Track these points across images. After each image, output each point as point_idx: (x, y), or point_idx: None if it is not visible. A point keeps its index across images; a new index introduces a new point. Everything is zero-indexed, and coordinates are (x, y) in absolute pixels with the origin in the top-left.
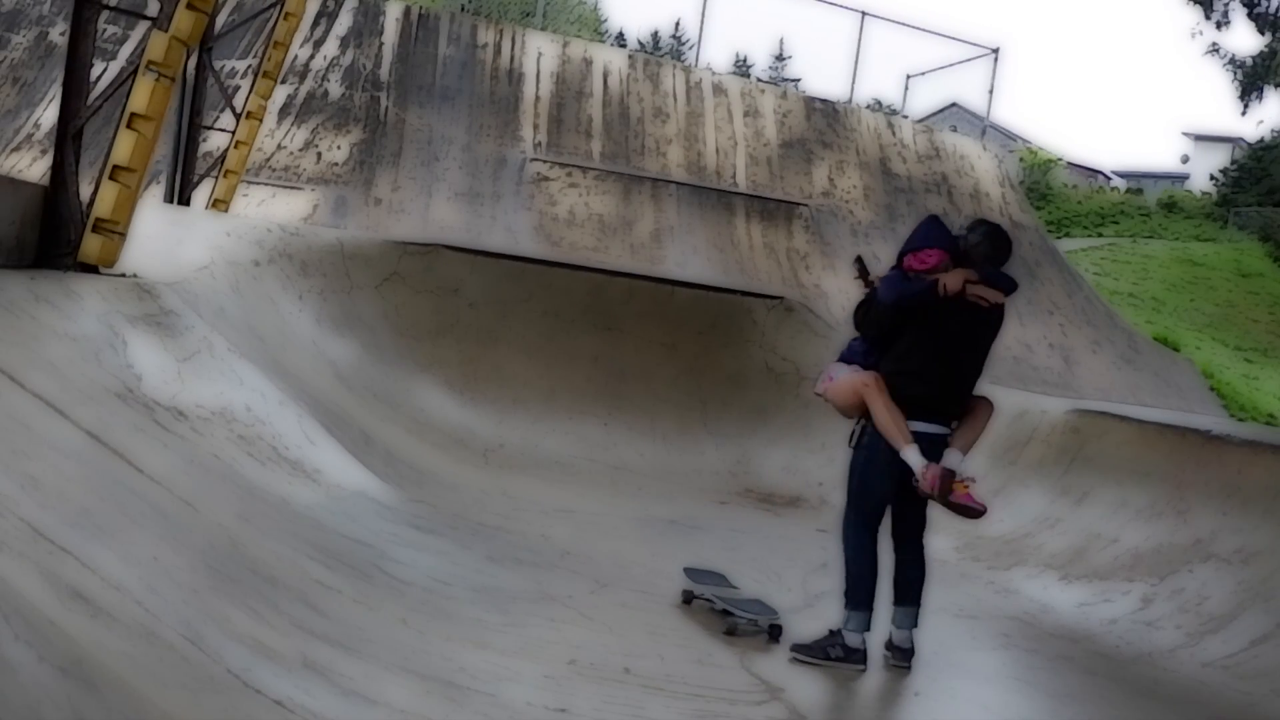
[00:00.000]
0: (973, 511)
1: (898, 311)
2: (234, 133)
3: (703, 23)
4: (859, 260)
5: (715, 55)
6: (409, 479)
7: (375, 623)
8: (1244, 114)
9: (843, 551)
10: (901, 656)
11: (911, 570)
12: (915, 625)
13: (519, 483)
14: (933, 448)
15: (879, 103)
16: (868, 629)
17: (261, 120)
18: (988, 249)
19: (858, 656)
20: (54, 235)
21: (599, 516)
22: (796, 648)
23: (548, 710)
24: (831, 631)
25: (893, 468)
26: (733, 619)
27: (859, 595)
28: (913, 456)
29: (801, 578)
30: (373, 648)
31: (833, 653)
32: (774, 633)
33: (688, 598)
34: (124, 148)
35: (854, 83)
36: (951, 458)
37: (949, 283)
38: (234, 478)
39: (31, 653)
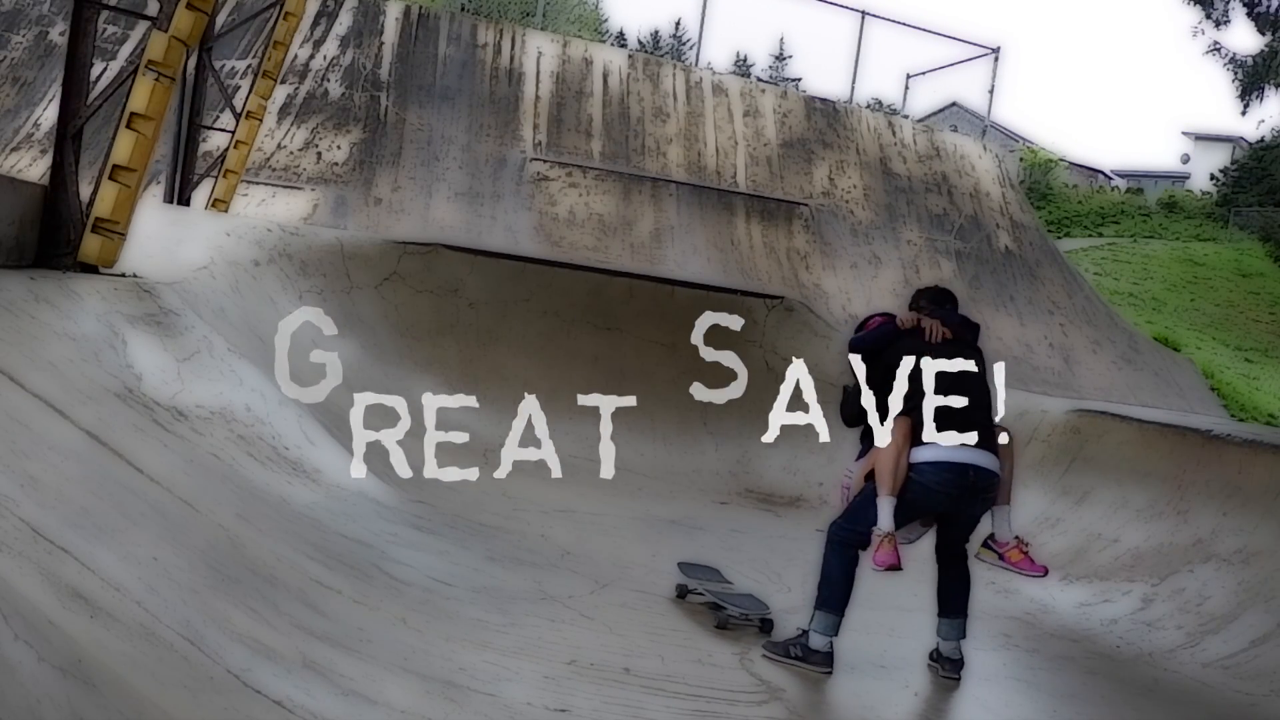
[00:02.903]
0: (1032, 575)
1: (869, 355)
2: (234, 132)
3: (703, 22)
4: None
5: (715, 55)
6: (409, 479)
7: (375, 623)
8: (1244, 114)
9: (823, 552)
10: (951, 668)
11: (955, 582)
12: (963, 636)
13: (519, 483)
14: (975, 483)
15: (879, 102)
16: (834, 633)
17: (261, 120)
18: (924, 301)
19: (818, 659)
20: (54, 235)
21: (599, 516)
22: (767, 645)
23: (548, 710)
24: (800, 630)
25: (910, 509)
26: (724, 613)
27: (827, 597)
28: (884, 511)
29: (801, 578)
30: (373, 648)
31: (793, 651)
32: (765, 626)
33: (682, 592)
34: (124, 148)
35: (854, 82)
36: (1001, 525)
37: (903, 316)
38: (234, 478)
39: (31, 653)
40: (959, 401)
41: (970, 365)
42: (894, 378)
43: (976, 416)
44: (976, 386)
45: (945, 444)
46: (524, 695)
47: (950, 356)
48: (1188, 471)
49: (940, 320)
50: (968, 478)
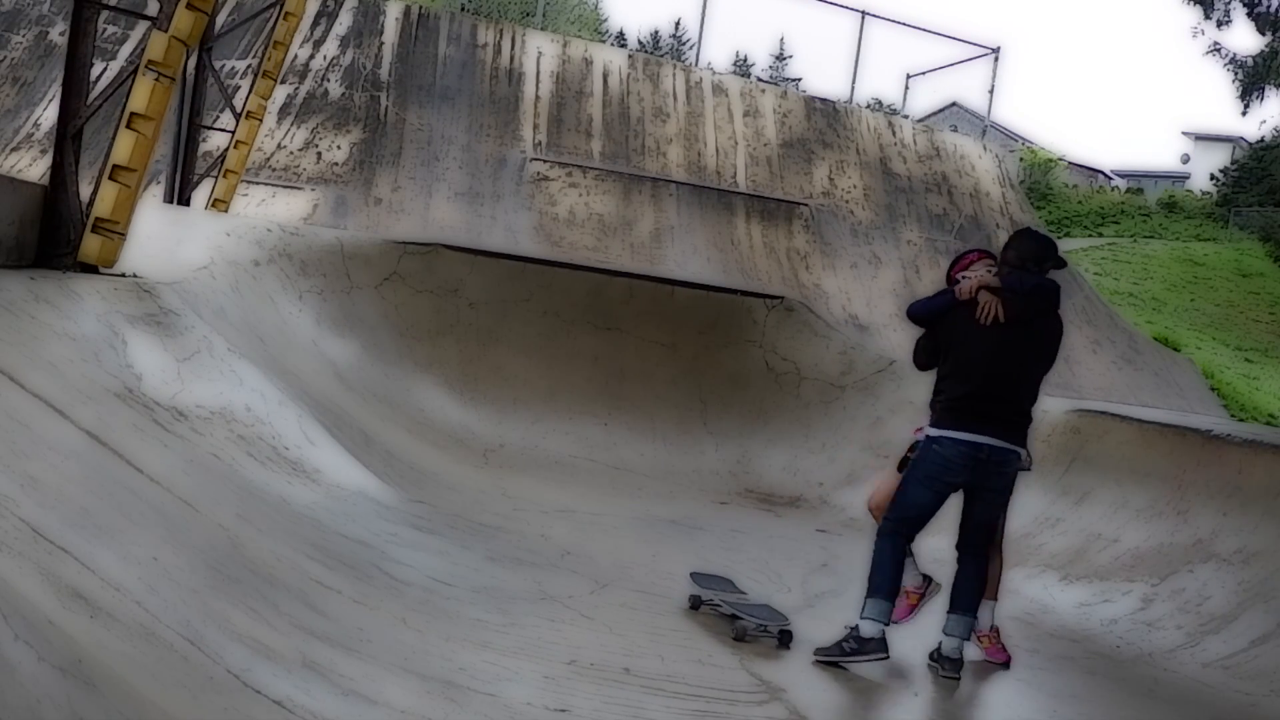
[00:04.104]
0: (994, 661)
1: (924, 323)
2: (234, 132)
3: (703, 22)
4: None
5: (715, 55)
6: (409, 479)
7: (375, 623)
8: (1245, 114)
9: (874, 542)
10: (950, 668)
11: (967, 578)
12: (967, 636)
13: (519, 483)
14: (989, 459)
15: (879, 102)
16: (886, 620)
17: (261, 120)
18: (1012, 255)
19: (873, 645)
20: (54, 235)
21: (599, 516)
22: (818, 650)
23: (548, 710)
24: (848, 627)
25: (935, 481)
26: (742, 624)
27: (879, 584)
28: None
29: (801, 578)
30: (373, 648)
31: (846, 646)
32: (784, 638)
33: (695, 603)
34: (124, 148)
35: (854, 82)
36: (984, 615)
37: (963, 286)
38: (234, 478)
39: (31, 653)
40: (985, 394)
41: (1015, 351)
42: (943, 351)
43: (999, 410)
44: (1011, 377)
45: (961, 428)
46: (524, 695)
47: (997, 341)
48: (1188, 471)
49: (1004, 294)
50: (981, 451)
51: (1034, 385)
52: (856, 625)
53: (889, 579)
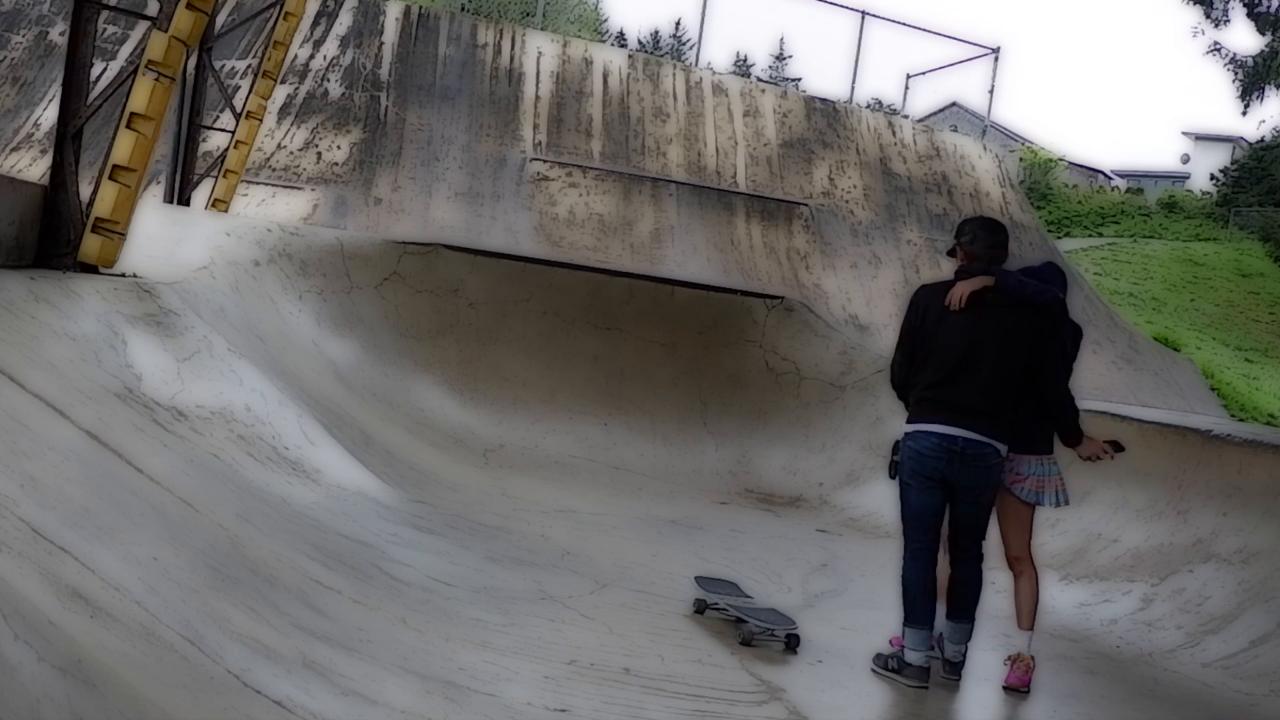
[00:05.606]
0: (1008, 685)
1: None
2: (234, 132)
3: (703, 22)
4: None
5: (715, 55)
6: (409, 479)
7: (375, 623)
8: (1245, 114)
9: (899, 568)
10: (951, 669)
11: (964, 584)
12: (966, 640)
13: (519, 483)
14: (964, 451)
15: (879, 102)
16: (928, 647)
17: (261, 120)
18: (979, 247)
19: (912, 673)
20: (54, 235)
21: (599, 516)
22: (875, 658)
23: (548, 710)
24: (901, 645)
25: (919, 479)
26: (748, 628)
27: (908, 611)
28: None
29: (801, 578)
30: (373, 648)
31: (890, 664)
32: (791, 642)
33: (700, 607)
34: (124, 148)
35: (854, 82)
36: (1022, 641)
37: (957, 290)
38: (234, 478)
39: (31, 653)
40: (952, 382)
41: (985, 342)
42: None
43: (970, 402)
44: (982, 364)
45: (930, 420)
46: (524, 695)
47: (967, 332)
48: (1188, 471)
49: (971, 281)
50: (956, 444)
51: (1007, 380)
52: (903, 649)
53: (918, 606)
